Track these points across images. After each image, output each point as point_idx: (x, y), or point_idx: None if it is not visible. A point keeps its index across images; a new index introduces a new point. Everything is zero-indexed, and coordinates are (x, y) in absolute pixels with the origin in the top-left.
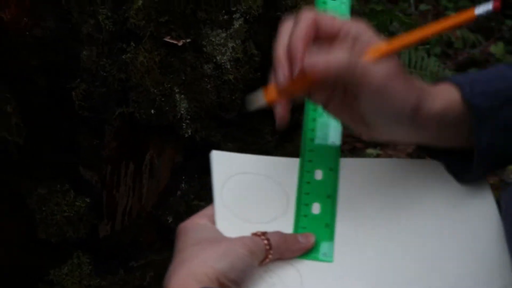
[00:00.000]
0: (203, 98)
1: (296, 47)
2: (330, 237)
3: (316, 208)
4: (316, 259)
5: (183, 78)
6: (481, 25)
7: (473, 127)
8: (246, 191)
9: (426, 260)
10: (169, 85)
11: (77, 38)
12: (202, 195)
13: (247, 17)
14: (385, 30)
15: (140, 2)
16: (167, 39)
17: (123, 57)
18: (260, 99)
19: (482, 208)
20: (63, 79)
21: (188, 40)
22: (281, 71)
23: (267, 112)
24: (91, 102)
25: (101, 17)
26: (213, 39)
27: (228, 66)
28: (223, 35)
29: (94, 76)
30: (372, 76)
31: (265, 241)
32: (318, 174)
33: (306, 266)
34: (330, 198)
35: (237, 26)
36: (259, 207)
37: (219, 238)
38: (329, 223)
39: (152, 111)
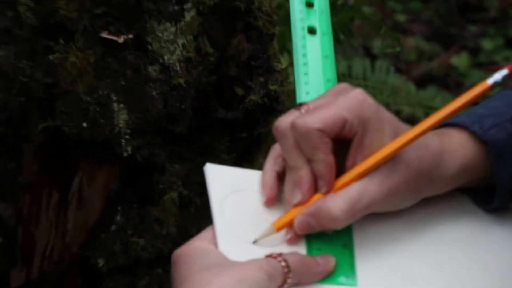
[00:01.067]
0: (146, 108)
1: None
2: (350, 258)
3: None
4: (338, 283)
5: (123, 83)
6: (438, 31)
7: (493, 162)
8: (249, 211)
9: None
10: (105, 92)
11: None
12: (142, 230)
13: (200, 8)
14: (346, 28)
15: None
16: (105, 34)
17: (49, 57)
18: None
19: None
20: None
21: (130, 36)
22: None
23: (223, 124)
24: (7, 115)
25: (22, 9)
26: (160, 35)
27: (178, 68)
28: (172, 29)
29: (12, 82)
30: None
31: (283, 263)
32: None
33: None
34: None
35: (189, 18)
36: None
37: (230, 262)
38: (347, 243)
39: (84, 124)
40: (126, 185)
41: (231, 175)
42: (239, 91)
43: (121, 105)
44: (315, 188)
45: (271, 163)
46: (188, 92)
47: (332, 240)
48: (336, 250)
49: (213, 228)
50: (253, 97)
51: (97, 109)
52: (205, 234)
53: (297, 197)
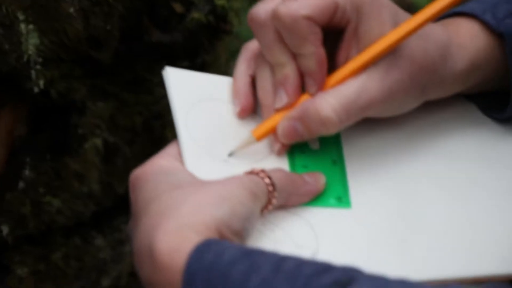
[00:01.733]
0: (63, 29)
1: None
2: (342, 176)
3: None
4: (329, 205)
5: None
6: None
7: (508, 56)
8: (220, 124)
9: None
10: (10, 10)
11: None
12: (57, 188)
13: None
14: None
15: None
16: None
17: None
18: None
19: None
20: None
21: None
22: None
23: (158, 50)
24: None
25: None
26: None
27: None
28: None
29: None
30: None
31: (267, 180)
32: None
33: (317, 216)
34: None
35: None
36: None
37: (203, 181)
38: (337, 159)
39: None
40: (36, 131)
41: (197, 81)
42: (178, 7)
43: (30, 26)
44: (301, 89)
45: (244, 66)
46: (114, 9)
47: (319, 155)
48: (325, 167)
49: (178, 145)
50: (195, 14)
51: (1, 31)
52: (169, 150)
53: (281, 99)
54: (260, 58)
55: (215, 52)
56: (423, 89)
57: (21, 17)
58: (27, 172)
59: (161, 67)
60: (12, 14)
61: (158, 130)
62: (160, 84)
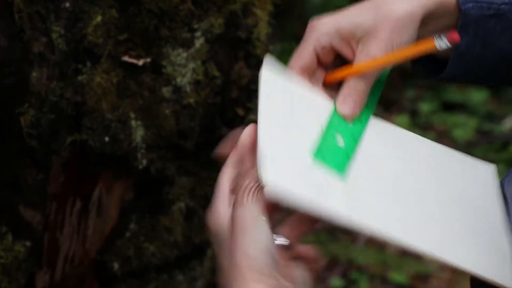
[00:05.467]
0: (161, 125)
1: None
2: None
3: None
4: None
5: (140, 102)
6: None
7: (457, 28)
8: (292, 107)
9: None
10: (125, 110)
11: (27, 58)
12: (153, 237)
13: (208, 36)
14: None
15: (99, 18)
16: (126, 58)
17: (78, 78)
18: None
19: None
20: (11, 103)
21: (148, 60)
22: None
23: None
24: (39, 131)
25: (54, 35)
26: (173, 59)
27: (188, 89)
28: (184, 54)
29: (43, 101)
30: None
31: None
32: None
33: None
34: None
35: (198, 45)
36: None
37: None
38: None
39: (106, 139)
40: (140, 196)
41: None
42: (240, 111)
43: (139, 122)
44: None
45: None
46: (197, 111)
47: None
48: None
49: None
50: (252, 116)
51: (118, 125)
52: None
53: None
54: None
55: None
56: None
57: (132, 115)
58: (132, 226)
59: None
60: (127, 113)
61: None
62: None
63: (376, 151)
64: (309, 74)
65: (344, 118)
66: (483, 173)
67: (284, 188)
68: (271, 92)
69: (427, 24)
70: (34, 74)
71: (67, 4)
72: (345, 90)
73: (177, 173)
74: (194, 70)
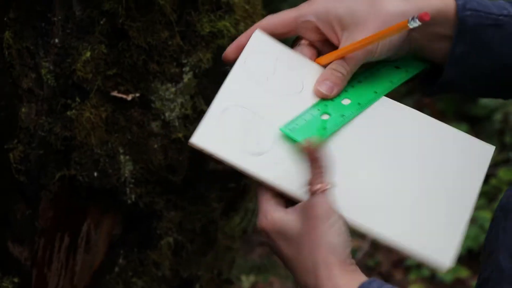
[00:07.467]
0: (149, 159)
1: None
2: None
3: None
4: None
5: (129, 137)
6: None
7: (453, 35)
8: (271, 66)
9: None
10: (114, 145)
11: (16, 94)
12: (141, 272)
13: (196, 71)
14: None
15: (88, 53)
16: (115, 93)
17: (67, 113)
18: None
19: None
20: (0, 139)
21: (137, 95)
22: None
23: (214, 176)
24: (27, 166)
25: (44, 71)
26: (162, 94)
27: (177, 124)
28: (173, 89)
29: (32, 136)
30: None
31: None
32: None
33: None
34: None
35: (187, 80)
36: (280, 81)
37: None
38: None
39: (95, 174)
40: (128, 231)
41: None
42: None
43: (127, 157)
44: None
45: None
46: (185, 146)
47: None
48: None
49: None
50: None
51: (107, 160)
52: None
53: None
54: None
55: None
56: None
57: (121, 150)
58: (120, 260)
59: (215, 188)
60: (115, 148)
61: (213, 233)
62: (214, 199)
63: (365, 129)
64: (274, 33)
65: (321, 97)
66: (478, 152)
67: (205, 146)
68: (256, 49)
69: (425, 30)
70: (23, 109)
71: (56, 40)
72: (326, 71)
73: (165, 207)
74: (182, 104)
